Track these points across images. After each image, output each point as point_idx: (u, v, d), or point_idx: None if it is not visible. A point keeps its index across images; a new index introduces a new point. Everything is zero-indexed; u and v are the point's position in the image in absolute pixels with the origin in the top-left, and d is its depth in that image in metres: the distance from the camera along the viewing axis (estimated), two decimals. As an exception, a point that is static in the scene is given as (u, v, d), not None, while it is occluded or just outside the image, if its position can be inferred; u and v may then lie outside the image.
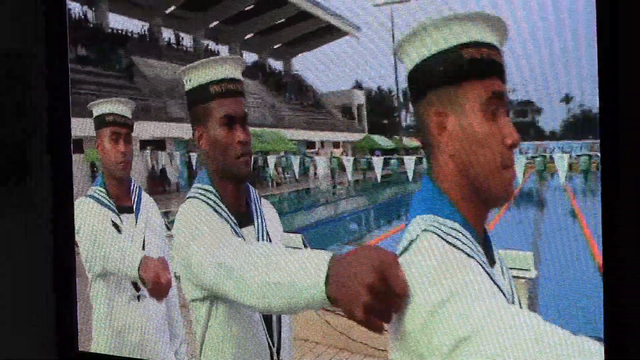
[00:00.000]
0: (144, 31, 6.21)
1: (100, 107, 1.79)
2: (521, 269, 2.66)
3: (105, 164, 1.77)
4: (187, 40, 6.80)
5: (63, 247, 2.30)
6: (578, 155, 3.28)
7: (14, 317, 2.28)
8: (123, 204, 1.81)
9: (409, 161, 3.76)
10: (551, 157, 3.40)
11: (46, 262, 2.33)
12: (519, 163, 3.15)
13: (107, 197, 1.79)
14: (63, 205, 2.21)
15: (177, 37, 6.68)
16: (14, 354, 2.28)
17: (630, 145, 1.36)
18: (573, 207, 3.71)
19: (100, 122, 1.77)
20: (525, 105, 3.87)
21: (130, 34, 5.93)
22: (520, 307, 1.07)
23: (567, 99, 3.52)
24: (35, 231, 2.33)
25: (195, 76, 1.30)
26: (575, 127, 3.57)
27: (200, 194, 1.32)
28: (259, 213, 1.36)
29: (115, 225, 1.75)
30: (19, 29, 2.15)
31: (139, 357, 1.82)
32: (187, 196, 1.33)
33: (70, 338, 2.30)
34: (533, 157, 3.42)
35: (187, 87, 1.31)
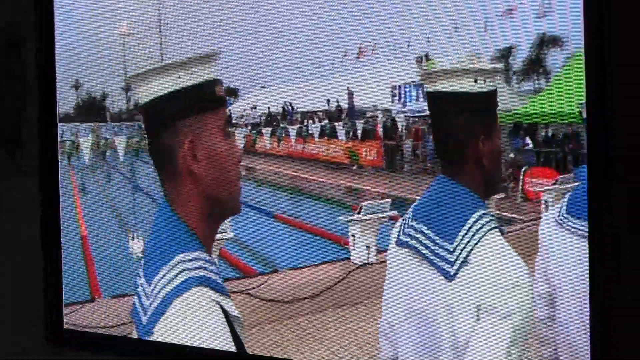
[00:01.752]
0: None
1: (189, 71, 1.02)
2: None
3: (212, 184, 1.04)
4: None
5: (50, 222, 2.21)
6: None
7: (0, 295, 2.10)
8: None
9: None
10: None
11: (33, 239, 2.24)
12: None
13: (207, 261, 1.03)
14: (50, 179, 2.10)
15: None
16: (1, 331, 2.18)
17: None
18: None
19: (198, 98, 1.03)
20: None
21: None
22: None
23: (77, 85, 4.10)
24: (22, 213, 2.18)
25: None
26: (83, 111, 4.20)
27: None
28: None
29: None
30: (9, 2, 2.11)
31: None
32: (489, 228, 1.14)
33: (57, 315, 2.17)
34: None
35: None
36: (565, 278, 1.41)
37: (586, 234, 1.29)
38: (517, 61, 3.08)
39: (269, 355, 2.74)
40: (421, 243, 1.18)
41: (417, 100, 3.55)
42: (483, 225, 1.14)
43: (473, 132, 1.14)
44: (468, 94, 1.12)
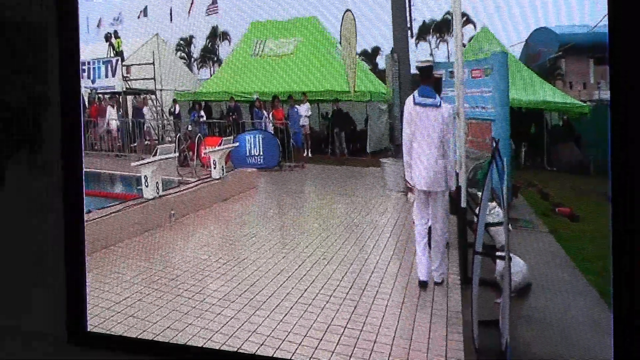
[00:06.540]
0: None
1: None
2: None
3: None
4: None
5: (73, 224, 2.25)
6: None
7: (25, 296, 2.24)
8: None
9: None
10: None
11: (57, 242, 2.24)
12: None
13: None
14: (74, 181, 2.21)
15: None
16: (26, 331, 2.23)
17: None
18: None
19: None
20: None
21: None
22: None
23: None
24: (46, 215, 2.24)
25: None
26: None
27: None
28: None
29: None
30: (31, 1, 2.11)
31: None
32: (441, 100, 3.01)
33: (80, 317, 2.24)
34: None
35: None
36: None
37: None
38: (197, 50, 3.63)
39: None
40: (426, 102, 2.90)
41: (107, 76, 3.74)
42: (442, 98, 2.98)
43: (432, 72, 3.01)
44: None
